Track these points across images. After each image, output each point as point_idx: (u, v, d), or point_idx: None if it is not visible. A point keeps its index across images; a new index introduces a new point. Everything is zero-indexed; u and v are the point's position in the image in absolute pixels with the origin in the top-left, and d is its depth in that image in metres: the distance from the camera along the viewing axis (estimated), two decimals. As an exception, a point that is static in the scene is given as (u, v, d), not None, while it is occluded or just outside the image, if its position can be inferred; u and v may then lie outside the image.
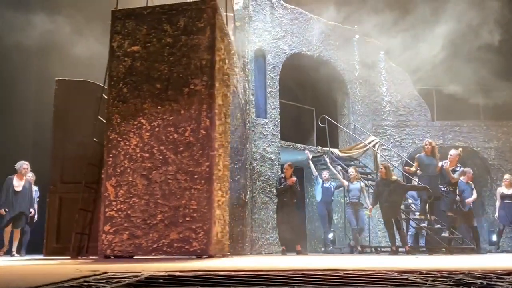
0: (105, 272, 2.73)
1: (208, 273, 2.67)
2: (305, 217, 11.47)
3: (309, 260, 5.23)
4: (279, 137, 10.60)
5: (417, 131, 13.05)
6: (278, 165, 10.38)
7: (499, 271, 2.89)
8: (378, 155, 11.42)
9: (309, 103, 12.17)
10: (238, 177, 9.04)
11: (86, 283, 2.23)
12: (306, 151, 10.91)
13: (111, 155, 5.85)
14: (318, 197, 10.62)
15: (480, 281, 2.41)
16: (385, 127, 13.04)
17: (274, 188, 9.44)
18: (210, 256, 5.55)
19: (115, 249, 5.63)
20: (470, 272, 2.85)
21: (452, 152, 9.69)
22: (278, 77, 10.88)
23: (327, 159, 10.86)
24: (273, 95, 10.65)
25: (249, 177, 9.46)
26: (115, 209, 5.70)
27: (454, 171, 9.50)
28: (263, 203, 9.83)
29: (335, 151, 11.63)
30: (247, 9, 10.16)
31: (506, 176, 10.62)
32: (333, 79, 12.26)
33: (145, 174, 5.71)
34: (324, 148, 11.39)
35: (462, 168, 9.59)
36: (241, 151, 9.06)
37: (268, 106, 10.52)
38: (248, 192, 9.18)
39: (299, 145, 11.22)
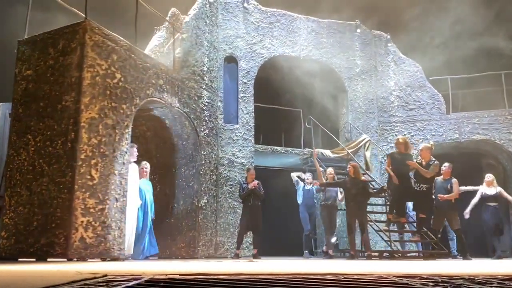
0: (105, 275, 2.75)
1: (209, 276, 2.70)
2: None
3: (309, 264, 5.25)
4: (253, 142, 10.58)
5: (429, 125, 11.99)
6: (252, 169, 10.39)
7: (500, 277, 2.86)
8: (368, 154, 10.81)
9: (298, 104, 11.89)
10: (192, 183, 9.32)
11: (86, 286, 2.24)
12: (293, 174, 10.72)
13: (9, 169, 6.59)
14: (300, 199, 10.41)
15: (480, 286, 2.41)
16: (393, 123, 12.22)
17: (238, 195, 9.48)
18: (83, 260, 5.98)
19: (7, 252, 6.33)
20: (471, 277, 2.83)
21: (422, 146, 8.86)
22: (252, 81, 10.87)
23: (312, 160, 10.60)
24: (245, 100, 10.69)
25: (211, 183, 9.63)
26: (8, 217, 6.42)
27: (428, 166, 8.65)
28: (230, 207, 9.92)
29: (326, 152, 11.27)
30: (212, 18, 10.38)
31: (488, 175, 9.38)
32: (327, 78, 11.84)
33: (28, 185, 6.34)
34: (312, 150, 11.08)
35: (436, 161, 8.65)
36: (195, 158, 9.31)
37: (240, 111, 10.57)
38: (205, 197, 9.35)
39: (279, 148, 11.08)
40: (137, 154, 7.94)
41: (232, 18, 10.93)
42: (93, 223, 6.22)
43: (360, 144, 10.97)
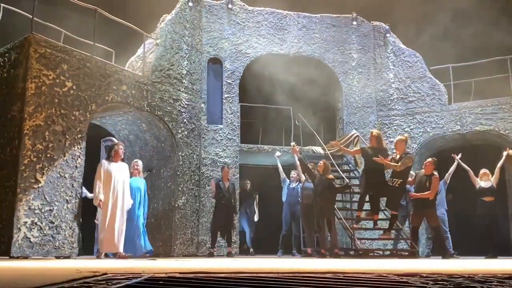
0: (105, 273, 2.76)
1: (209, 275, 2.72)
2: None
3: (308, 262, 5.33)
4: (238, 141, 10.67)
5: (429, 118, 11.43)
6: (235, 168, 10.50)
7: (499, 275, 2.88)
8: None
9: (288, 102, 11.73)
10: (169, 183, 9.61)
11: (86, 284, 2.25)
12: (277, 152, 10.71)
13: (-27, 175, 7.20)
14: (284, 198, 10.38)
15: (480, 285, 2.41)
16: (392, 117, 11.79)
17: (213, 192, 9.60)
18: (26, 258, 6.44)
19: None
20: (470, 275, 2.86)
21: (397, 138, 8.54)
22: (237, 82, 10.94)
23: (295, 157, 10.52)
24: (230, 100, 10.79)
25: (192, 183, 9.86)
26: (-29, 218, 7.01)
27: (401, 159, 8.29)
28: (213, 206, 10.07)
29: (318, 149, 11.12)
30: (194, 22, 10.59)
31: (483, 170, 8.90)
32: (319, 74, 11.64)
33: (-15, 189, 6.90)
34: (304, 148, 10.97)
35: (409, 154, 8.27)
36: (172, 159, 9.58)
37: (225, 111, 10.70)
38: (184, 198, 9.58)
39: (265, 147, 11.06)
40: (123, 151, 8.07)
41: (217, 20, 11.08)
42: (38, 223, 6.66)
43: (349, 140, 10.71)
